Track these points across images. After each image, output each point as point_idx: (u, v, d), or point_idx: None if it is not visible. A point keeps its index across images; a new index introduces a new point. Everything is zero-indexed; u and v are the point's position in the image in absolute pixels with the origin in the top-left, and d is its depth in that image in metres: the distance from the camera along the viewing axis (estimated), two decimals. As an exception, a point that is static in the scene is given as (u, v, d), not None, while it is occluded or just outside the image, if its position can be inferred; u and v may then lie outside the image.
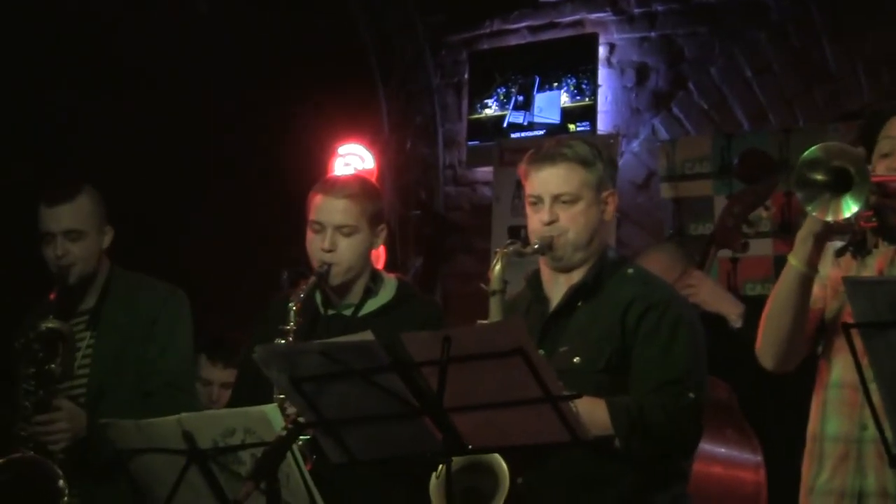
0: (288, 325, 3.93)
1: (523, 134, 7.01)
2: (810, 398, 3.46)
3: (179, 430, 3.47)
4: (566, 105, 6.91)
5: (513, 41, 7.17)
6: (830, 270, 3.39)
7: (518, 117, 7.07)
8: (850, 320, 2.95)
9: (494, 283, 3.66)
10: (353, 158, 7.29)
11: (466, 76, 7.29)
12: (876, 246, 3.34)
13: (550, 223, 3.68)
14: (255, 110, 7.35)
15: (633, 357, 3.60)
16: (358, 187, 4.10)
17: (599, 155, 3.75)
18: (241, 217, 7.44)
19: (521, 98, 7.07)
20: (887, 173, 3.24)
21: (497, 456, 3.46)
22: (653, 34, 6.74)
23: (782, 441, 4.38)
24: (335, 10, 7.35)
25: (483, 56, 7.25)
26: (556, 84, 6.95)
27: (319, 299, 4.12)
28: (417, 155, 7.44)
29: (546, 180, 3.70)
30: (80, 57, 7.27)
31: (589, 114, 6.82)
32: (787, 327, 3.34)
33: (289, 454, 3.31)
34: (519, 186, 4.02)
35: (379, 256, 4.84)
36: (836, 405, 3.35)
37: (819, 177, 3.09)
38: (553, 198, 3.68)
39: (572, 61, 6.91)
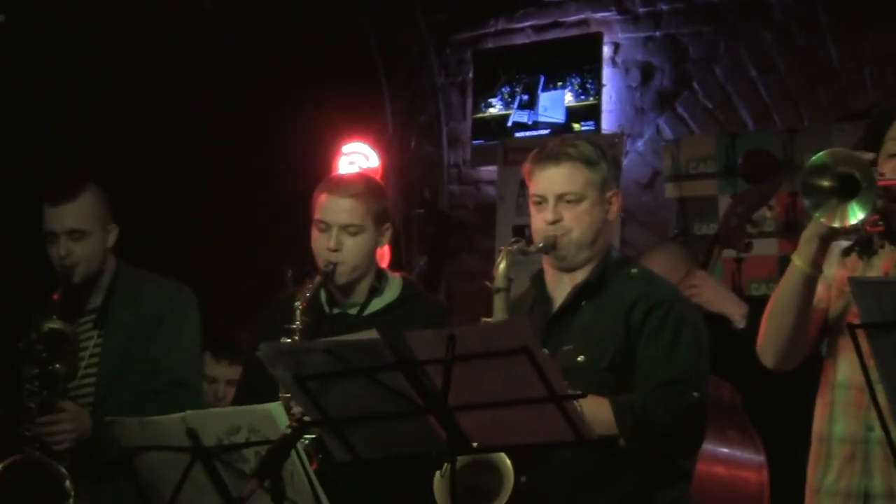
0: (294, 323, 3.92)
1: (528, 133, 7.01)
2: (813, 398, 3.46)
3: (184, 427, 3.47)
4: (571, 104, 6.91)
5: (517, 40, 7.17)
6: (836, 270, 3.39)
7: (522, 116, 7.07)
8: (856, 321, 2.95)
9: (499, 281, 3.66)
10: (357, 157, 7.30)
11: (471, 75, 7.29)
12: (882, 246, 3.34)
13: (554, 222, 3.68)
14: (259, 109, 7.35)
15: (637, 356, 3.60)
16: (363, 186, 4.10)
17: (604, 155, 3.75)
18: (245, 216, 7.44)
19: (525, 97, 7.06)
20: (895, 175, 3.23)
21: (502, 454, 3.46)
22: (657, 34, 6.74)
23: (785, 441, 4.38)
24: (340, 9, 7.35)
25: (488, 55, 7.25)
26: (560, 83, 6.95)
27: (324, 298, 4.12)
28: (422, 154, 7.44)
29: (550, 180, 3.70)
30: (81, 57, 7.27)
31: (593, 113, 6.82)
32: (789, 326, 3.34)
33: (293, 452, 3.31)
34: (523, 185, 4.03)
35: (383, 255, 4.83)
36: (842, 406, 3.35)
37: (825, 183, 3.09)
38: (557, 197, 3.68)
39: (577, 61, 6.91)
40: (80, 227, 4.43)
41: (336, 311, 4.11)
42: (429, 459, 3.41)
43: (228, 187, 7.42)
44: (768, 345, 3.41)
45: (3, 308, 5.96)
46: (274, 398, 3.66)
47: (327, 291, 4.10)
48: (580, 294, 3.71)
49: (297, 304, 3.95)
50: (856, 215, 3.07)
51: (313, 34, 7.29)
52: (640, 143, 6.74)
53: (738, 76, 6.49)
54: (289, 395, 3.61)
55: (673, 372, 3.55)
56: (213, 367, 5.46)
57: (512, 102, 7.10)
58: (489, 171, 7.20)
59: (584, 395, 3.17)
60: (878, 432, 3.18)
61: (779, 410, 4.59)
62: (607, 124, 6.80)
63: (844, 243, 3.38)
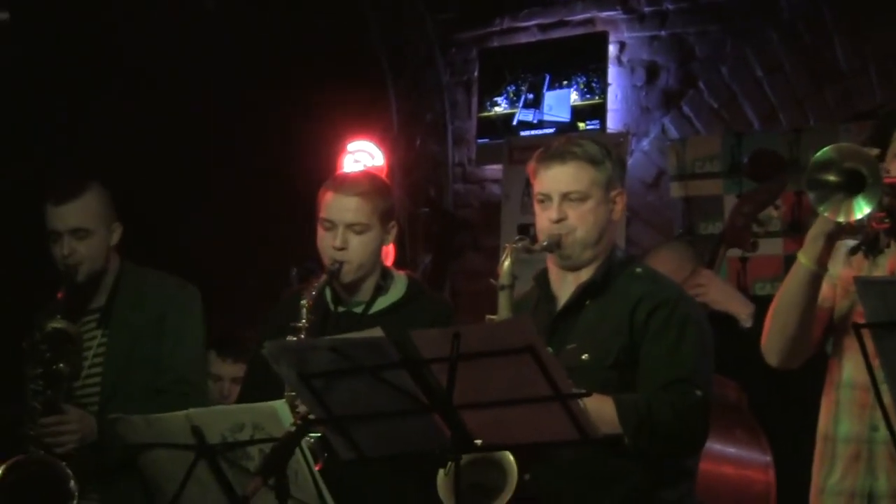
0: (300, 322, 3.92)
1: (533, 132, 7.01)
2: (819, 398, 3.46)
3: (188, 425, 3.47)
4: (576, 103, 6.91)
5: (523, 39, 7.17)
6: (842, 270, 3.39)
7: (528, 115, 7.06)
8: (861, 320, 2.94)
9: (503, 278, 3.66)
10: (362, 155, 7.29)
11: (476, 74, 7.29)
12: (888, 245, 3.33)
13: (559, 221, 3.68)
14: (265, 108, 7.35)
15: (641, 355, 3.60)
16: (369, 185, 4.09)
17: (608, 154, 3.75)
18: (251, 214, 7.44)
19: (530, 96, 7.06)
20: None
21: (506, 451, 3.46)
22: (663, 33, 6.74)
23: (791, 441, 4.37)
24: (345, 8, 7.35)
25: (493, 54, 7.24)
26: (566, 82, 6.95)
27: (329, 296, 4.11)
28: (427, 152, 7.44)
29: (555, 178, 3.70)
30: (83, 56, 7.26)
31: (599, 112, 6.81)
32: (794, 325, 3.34)
33: (298, 451, 3.31)
34: (528, 184, 4.02)
35: (388, 253, 4.84)
36: (847, 406, 3.34)
37: (831, 178, 3.09)
38: (562, 196, 3.68)
39: (582, 60, 6.91)
40: (83, 226, 4.42)
41: (341, 309, 4.11)
42: (433, 458, 3.41)
43: (234, 186, 7.42)
44: (772, 343, 3.40)
45: (3, 308, 5.96)
46: (279, 396, 3.66)
47: (332, 290, 4.10)
48: (584, 293, 3.70)
49: (304, 302, 3.94)
50: (862, 210, 3.07)
51: (318, 33, 7.29)
52: (645, 143, 6.74)
53: (744, 76, 6.48)
54: (294, 393, 3.60)
55: (677, 371, 3.55)
56: (218, 365, 5.46)
57: (517, 101, 7.10)
58: (494, 169, 7.20)
59: (588, 394, 3.17)
60: (882, 432, 3.17)
61: (785, 410, 4.59)
62: (612, 123, 6.80)
63: (850, 242, 3.37)
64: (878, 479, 3.27)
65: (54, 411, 4.28)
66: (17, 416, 4.40)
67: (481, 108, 7.24)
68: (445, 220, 7.37)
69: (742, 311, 4.68)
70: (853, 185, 3.07)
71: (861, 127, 5.72)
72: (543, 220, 3.72)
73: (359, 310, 4.08)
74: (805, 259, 3.26)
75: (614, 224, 3.79)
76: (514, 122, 7.10)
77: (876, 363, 2.92)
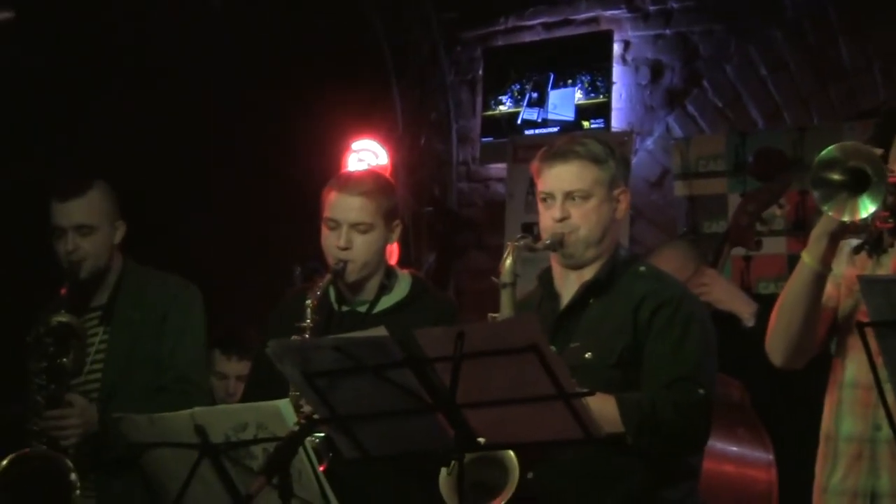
0: (304, 322, 3.92)
1: (537, 131, 7.00)
2: (822, 397, 3.46)
3: (192, 424, 3.47)
4: (580, 102, 6.90)
5: (527, 38, 7.17)
6: (845, 269, 3.38)
7: (532, 114, 7.06)
8: (865, 319, 2.94)
9: (505, 276, 3.66)
10: (366, 154, 7.29)
11: (481, 73, 7.29)
12: (892, 245, 3.33)
13: (562, 220, 3.68)
14: (269, 107, 7.35)
15: (645, 353, 3.60)
16: (373, 184, 4.09)
17: (612, 153, 3.75)
18: (255, 213, 7.44)
19: (535, 95, 7.06)
20: None
21: (508, 450, 3.46)
22: (668, 32, 6.73)
23: (794, 440, 4.37)
24: (350, 7, 7.35)
25: (498, 53, 7.24)
26: (570, 81, 6.94)
27: (333, 295, 4.11)
28: (431, 151, 7.44)
29: (558, 177, 3.70)
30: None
31: (603, 111, 6.81)
32: (798, 324, 3.34)
33: (301, 450, 3.31)
34: (532, 183, 4.02)
35: (392, 252, 4.83)
36: (850, 405, 3.34)
37: (836, 176, 3.09)
38: (565, 195, 3.68)
39: (587, 58, 6.90)
40: (87, 223, 4.43)
41: (345, 308, 4.11)
42: (437, 457, 3.41)
43: (238, 185, 7.42)
44: (776, 342, 3.40)
45: (5, 305, 5.97)
46: (283, 395, 3.66)
47: (336, 289, 4.10)
48: (588, 291, 3.71)
49: (308, 302, 3.94)
50: (866, 209, 3.06)
51: (323, 32, 7.29)
52: (649, 142, 6.73)
53: (748, 74, 6.48)
54: (298, 393, 3.61)
55: (680, 369, 3.54)
56: (223, 364, 5.47)
57: (521, 100, 7.10)
58: (498, 168, 7.20)
59: (592, 393, 3.17)
60: (885, 431, 3.17)
61: (788, 409, 4.59)
62: (617, 122, 6.79)
63: (854, 241, 3.37)
64: (880, 479, 3.27)
65: (58, 405, 4.30)
66: (20, 412, 4.42)
67: (485, 106, 7.24)
68: (449, 218, 7.37)
69: (745, 310, 4.68)
70: (857, 184, 3.07)
71: (865, 125, 5.71)
72: (547, 218, 3.72)
73: (363, 309, 4.08)
74: (809, 258, 3.26)
75: (618, 223, 3.79)
76: (519, 121, 7.10)
77: (879, 362, 2.92)
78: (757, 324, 4.55)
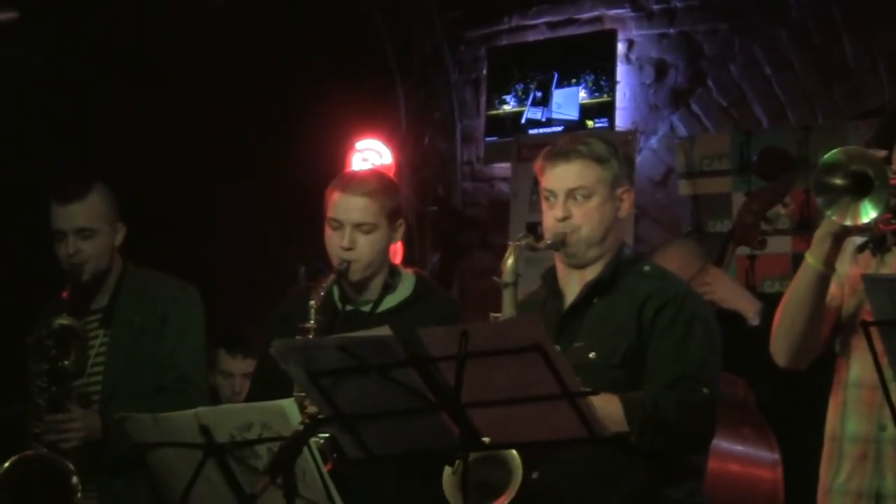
0: (308, 322, 3.91)
1: (541, 130, 7.00)
2: (827, 396, 3.45)
3: (196, 424, 3.47)
4: (584, 101, 6.90)
5: (531, 37, 7.16)
6: (849, 268, 3.38)
7: (536, 113, 7.06)
8: (870, 318, 2.94)
9: (507, 276, 3.66)
10: (370, 154, 7.29)
11: (485, 72, 7.28)
12: (895, 244, 3.33)
13: (564, 219, 3.67)
14: (273, 106, 7.36)
15: (648, 352, 3.60)
16: (376, 184, 4.08)
17: (615, 152, 3.74)
18: (259, 212, 7.44)
19: (539, 94, 7.06)
20: None
21: (512, 449, 3.46)
22: (672, 31, 6.73)
23: (798, 439, 4.37)
24: (354, 6, 7.35)
25: (502, 52, 7.24)
26: (574, 80, 6.94)
27: (337, 295, 4.11)
28: (435, 151, 7.44)
29: (560, 176, 3.70)
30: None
31: (607, 110, 6.81)
32: (802, 325, 3.33)
33: (306, 450, 3.31)
34: (536, 182, 4.01)
35: (396, 251, 4.83)
36: (854, 405, 3.34)
37: (838, 181, 3.08)
38: (567, 194, 3.68)
39: (591, 58, 6.90)
40: (89, 226, 4.44)
41: (349, 308, 4.11)
42: (441, 456, 3.41)
43: (242, 184, 7.42)
44: (781, 343, 3.40)
45: (5, 305, 5.98)
46: (288, 394, 3.66)
47: (340, 288, 4.10)
48: (592, 291, 3.70)
49: (312, 302, 3.94)
50: (868, 214, 3.06)
51: (327, 31, 7.29)
52: (653, 141, 6.73)
53: (752, 73, 6.47)
54: (303, 393, 3.61)
55: (684, 368, 3.54)
56: (228, 362, 5.48)
57: (526, 99, 7.09)
58: (503, 167, 7.20)
59: (596, 393, 3.17)
60: (890, 431, 3.17)
61: (792, 408, 4.59)
62: (621, 121, 6.79)
63: (858, 240, 3.37)
64: (885, 479, 3.26)
65: (59, 408, 4.30)
66: (22, 414, 4.42)
67: (490, 105, 7.23)
68: (454, 218, 7.37)
69: (749, 309, 4.68)
70: (860, 188, 3.07)
71: (870, 124, 5.70)
72: (549, 217, 3.72)
73: (367, 308, 4.08)
74: (812, 260, 3.26)
75: (621, 222, 3.78)
76: (523, 120, 7.09)
77: (884, 361, 2.92)
78: (761, 323, 4.55)
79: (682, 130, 6.64)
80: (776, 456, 4.55)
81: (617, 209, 3.72)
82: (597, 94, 6.86)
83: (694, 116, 6.64)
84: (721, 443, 3.79)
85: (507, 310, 3.64)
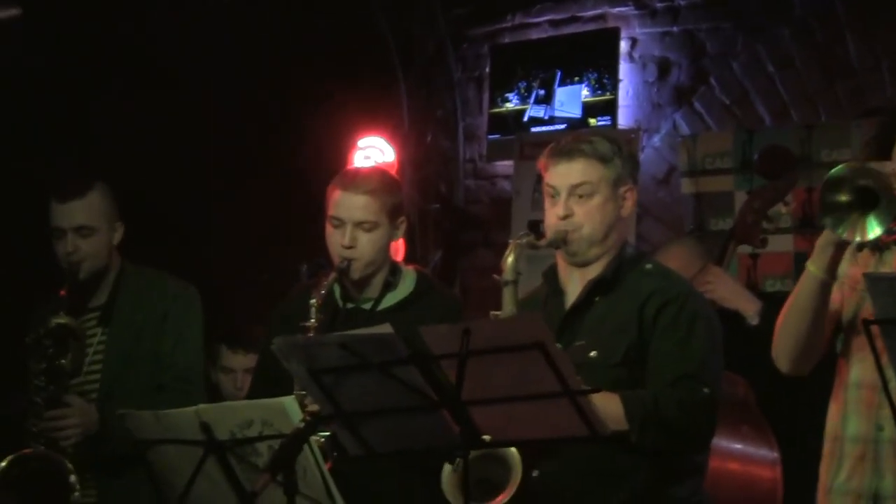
0: (309, 321, 3.91)
1: (544, 128, 7.00)
2: (827, 396, 3.45)
3: (197, 421, 3.47)
4: (587, 99, 6.90)
5: (534, 35, 7.16)
6: (849, 268, 3.38)
7: (539, 111, 7.06)
8: (871, 318, 2.94)
9: (507, 274, 3.66)
10: (373, 151, 7.29)
11: (488, 70, 7.29)
12: (895, 242, 3.33)
13: (565, 217, 3.67)
14: (275, 103, 7.35)
15: (650, 351, 3.59)
16: (377, 181, 4.08)
17: (619, 151, 3.74)
18: (261, 210, 7.44)
19: (542, 92, 7.06)
20: None
21: (512, 447, 3.46)
22: (675, 29, 6.73)
23: (798, 438, 4.37)
24: (357, 4, 7.35)
25: (504, 50, 7.24)
26: (577, 78, 6.94)
27: (339, 293, 4.11)
28: (438, 148, 7.44)
29: (563, 174, 3.69)
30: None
31: (610, 108, 6.81)
32: (805, 333, 3.33)
33: (306, 447, 3.32)
34: (539, 180, 4.01)
35: (398, 249, 4.83)
36: (854, 405, 3.34)
37: (844, 197, 3.08)
38: (569, 191, 3.67)
39: (594, 56, 6.90)
40: (87, 224, 4.44)
41: (350, 305, 4.11)
42: (442, 454, 3.41)
43: (244, 182, 7.42)
44: (783, 350, 3.40)
45: (5, 305, 5.98)
46: (290, 391, 3.66)
47: (341, 286, 4.10)
48: (594, 289, 3.70)
49: (313, 301, 3.93)
50: (873, 230, 3.06)
51: (329, 29, 7.29)
52: (656, 139, 6.73)
53: (755, 72, 6.47)
54: (303, 392, 3.61)
55: (685, 367, 3.54)
56: (230, 359, 5.49)
57: (528, 97, 7.09)
58: (505, 165, 7.20)
59: (597, 391, 3.17)
60: (888, 431, 3.17)
61: (792, 407, 4.58)
62: (624, 120, 6.79)
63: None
64: (883, 480, 3.26)
65: (57, 406, 4.30)
66: (19, 412, 4.42)
67: (492, 103, 7.23)
68: (456, 216, 7.37)
69: (749, 308, 4.67)
70: (865, 203, 3.06)
71: (872, 123, 5.68)
72: (551, 215, 3.71)
73: (368, 306, 4.08)
74: (814, 268, 3.25)
75: (624, 220, 3.77)
76: (526, 118, 7.10)
77: (885, 360, 2.92)
78: (761, 322, 4.55)
79: (684, 129, 6.64)
80: (776, 454, 4.55)
81: (619, 208, 3.72)
82: (599, 92, 6.86)
83: (696, 115, 6.64)
84: (720, 442, 3.78)
85: (508, 308, 3.64)
